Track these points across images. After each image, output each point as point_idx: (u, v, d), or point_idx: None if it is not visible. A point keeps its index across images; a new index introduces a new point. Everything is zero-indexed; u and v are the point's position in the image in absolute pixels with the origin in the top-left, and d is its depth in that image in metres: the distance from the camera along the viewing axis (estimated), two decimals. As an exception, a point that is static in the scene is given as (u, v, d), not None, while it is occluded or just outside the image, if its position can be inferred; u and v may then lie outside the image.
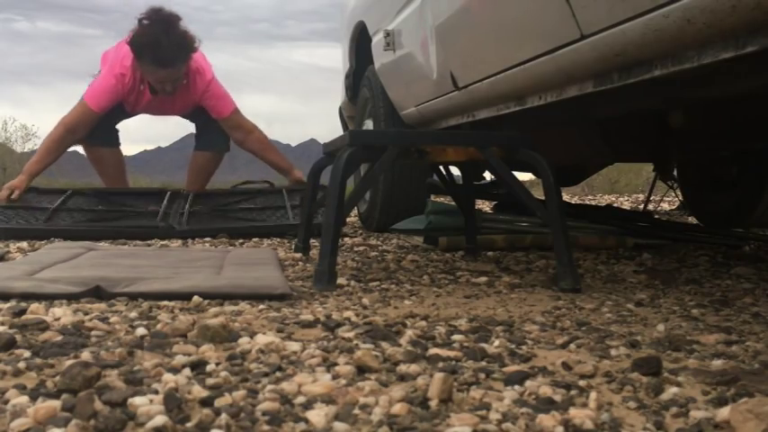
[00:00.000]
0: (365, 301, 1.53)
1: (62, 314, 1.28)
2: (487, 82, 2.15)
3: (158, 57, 3.15)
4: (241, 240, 2.91)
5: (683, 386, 0.94)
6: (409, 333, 1.21)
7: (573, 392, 0.91)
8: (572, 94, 1.77)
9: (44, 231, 2.93)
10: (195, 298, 1.47)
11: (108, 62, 3.37)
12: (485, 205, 4.19)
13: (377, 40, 3.22)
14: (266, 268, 1.86)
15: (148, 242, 2.81)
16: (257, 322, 1.29)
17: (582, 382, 0.95)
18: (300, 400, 0.86)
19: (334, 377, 0.95)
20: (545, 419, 0.80)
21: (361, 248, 2.57)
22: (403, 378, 0.96)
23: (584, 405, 0.86)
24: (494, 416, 0.82)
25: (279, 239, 2.94)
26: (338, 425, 0.78)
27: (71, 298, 1.47)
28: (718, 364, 1.05)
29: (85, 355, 1.03)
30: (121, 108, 3.49)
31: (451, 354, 1.07)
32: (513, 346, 1.14)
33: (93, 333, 1.18)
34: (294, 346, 1.09)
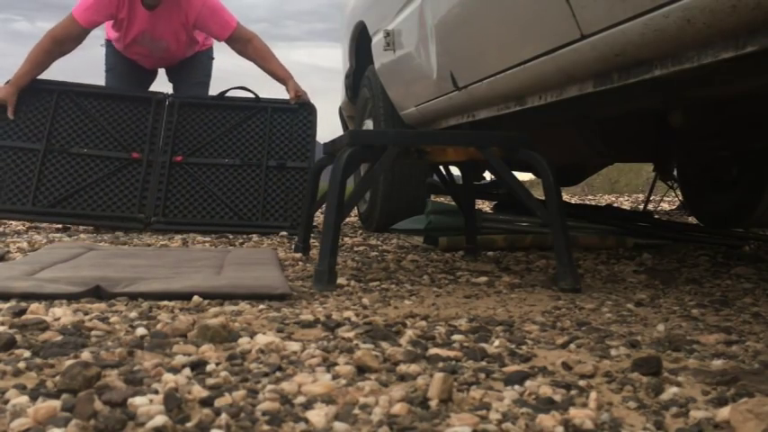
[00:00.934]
0: (365, 301, 1.53)
1: (62, 314, 1.28)
2: (487, 82, 2.15)
3: None
4: (241, 240, 2.91)
5: (683, 386, 0.94)
6: (409, 333, 1.21)
7: (573, 392, 0.91)
8: (572, 94, 1.78)
9: (32, 216, 3.16)
10: (195, 298, 1.47)
11: None
12: (485, 205, 4.19)
13: (377, 40, 3.22)
14: (266, 268, 1.86)
15: (148, 243, 2.81)
16: (257, 322, 1.29)
17: (582, 382, 0.95)
18: (300, 400, 0.86)
19: (334, 377, 0.95)
20: (545, 419, 0.80)
21: (361, 248, 2.57)
22: (403, 378, 0.96)
23: (584, 405, 0.86)
24: (494, 416, 0.82)
25: (279, 240, 2.94)
26: (338, 425, 0.78)
27: (71, 298, 1.46)
28: (718, 364, 1.05)
29: (85, 355, 1.02)
30: (136, 76, 3.50)
31: (451, 354, 1.07)
32: (513, 346, 1.14)
33: (93, 333, 1.18)
34: (294, 346, 1.09)
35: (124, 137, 3.37)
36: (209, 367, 0.98)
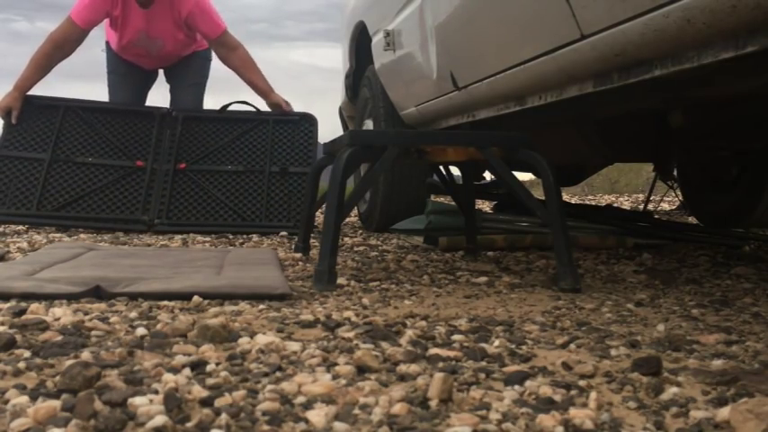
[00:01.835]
0: (365, 301, 1.53)
1: (62, 314, 1.28)
2: (487, 82, 2.15)
3: None
4: (241, 240, 2.91)
5: (683, 386, 0.94)
6: (409, 333, 1.21)
7: (573, 392, 0.91)
8: (572, 94, 1.78)
9: (35, 222, 3.19)
10: (195, 298, 1.47)
11: None
12: (485, 205, 4.19)
13: (377, 40, 3.22)
14: (266, 268, 1.86)
15: (148, 243, 2.81)
16: (257, 322, 1.29)
17: (582, 382, 0.95)
18: (300, 400, 0.86)
19: (334, 377, 0.95)
20: (545, 419, 0.80)
21: (361, 248, 2.57)
22: (403, 378, 0.96)
23: (584, 405, 0.86)
24: (494, 416, 0.82)
25: (279, 240, 2.94)
26: (338, 425, 0.78)
27: (71, 298, 1.47)
28: (718, 364, 1.05)
29: (85, 355, 1.02)
30: (137, 88, 3.52)
31: (451, 354, 1.07)
32: (513, 346, 1.14)
33: (93, 333, 1.18)
34: (294, 346, 1.09)
35: (128, 147, 3.41)
36: (209, 367, 0.98)
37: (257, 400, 0.85)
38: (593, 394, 0.88)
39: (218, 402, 0.84)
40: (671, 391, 0.91)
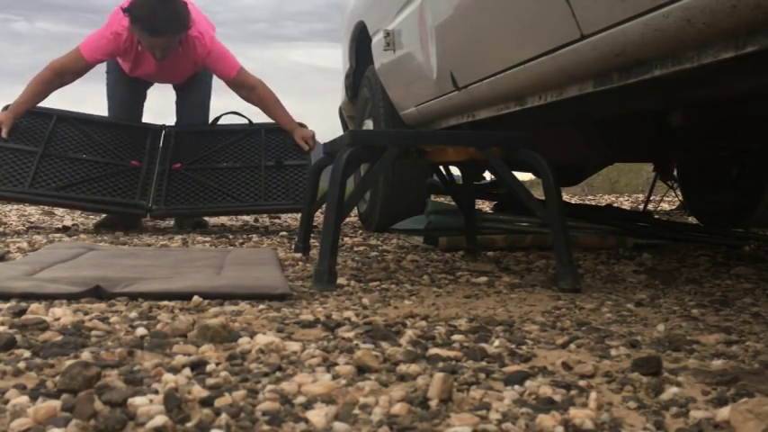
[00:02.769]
0: (365, 301, 1.53)
1: (62, 314, 1.28)
2: (487, 82, 2.15)
3: (150, 26, 3.16)
4: (241, 240, 2.91)
5: (683, 386, 0.94)
6: (409, 333, 1.21)
7: (573, 392, 0.91)
8: (572, 94, 1.77)
9: (28, 199, 3.21)
10: (195, 298, 1.47)
11: (109, 19, 3.38)
12: (485, 205, 4.19)
13: (377, 40, 3.22)
14: (266, 268, 1.86)
15: (148, 243, 2.81)
16: (257, 322, 1.29)
17: (582, 382, 0.95)
18: (300, 400, 0.86)
19: (334, 377, 0.95)
20: (545, 419, 0.80)
21: (361, 248, 2.57)
22: (403, 378, 0.96)
23: (584, 405, 0.86)
24: (494, 416, 0.82)
25: (279, 240, 2.94)
26: (338, 425, 0.78)
27: (71, 298, 1.47)
28: (718, 364, 1.05)
29: (85, 355, 1.02)
30: (137, 87, 3.56)
31: (451, 354, 1.07)
32: (513, 346, 1.14)
33: (93, 333, 1.18)
34: (294, 346, 1.09)
35: (122, 151, 3.45)
36: (209, 367, 0.98)
37: (257, 400, 0.85)
38: (593, 394, 0.88)
39: (218, 402, 0.84)
40: (671, 391, 0.91)
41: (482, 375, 0.97)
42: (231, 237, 3.04)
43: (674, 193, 3.89)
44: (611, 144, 2.91)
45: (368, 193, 3.40)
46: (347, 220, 3.75)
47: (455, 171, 2.45)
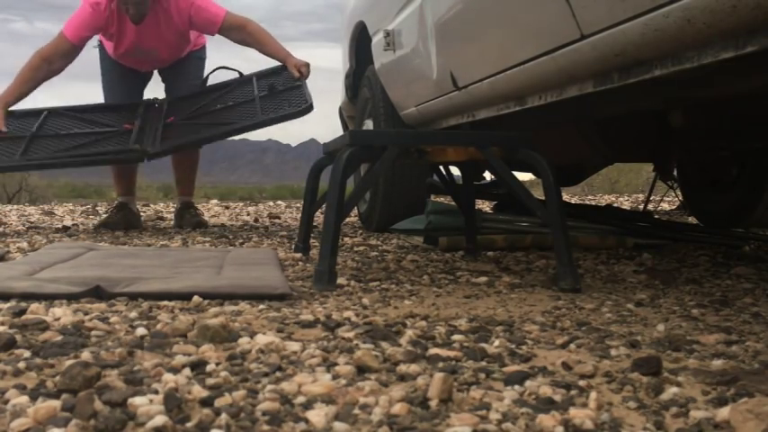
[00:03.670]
0: (365, 301, 1.53)
1: (62, 314, 1.28)
2: (487, 82, 2.15)
3: None
4: (241, 240, 2.91)
5: (683, 386, 0.94)
6: (409, 333, 1.21)
7: (573, 392, 0.91)
8: (572, 94, 1.77)
9: (21, 166, 3.21)
10: (195, 298, 1.47)
11: None
12: (485, 205, 4.19)
13: (377, 40, 3.22)
14: (266, 268, 1.86)
15: (148, 243, 2.81)
16: (257, 322, 1.29)
17: (582, 382, 0.95)
18: (300, 400, 0.86)
19: (334, 377, 0.95)
20: (545, 419, 0.80)
21: (361, 248, 2.57)
22: (403, 378, 0.96)
23: (584, 405, 0.86)
24: (494, 416, 0.82)
25: (279, 240, 2.94)
26: (338, 425, 0.78)
27: (71, 298, 1.47)
28: (718, 364, 1.05)
29: (85, 355, 1.03)
30: (131, 85, 3.55)
31: (451, 354, 1.07)
32: (513, 346, 1.14)
33: (93, 333, 1.18)
34: (294, 346, 1.09)
35: (115, 120, 3.46)
36: (209, 367, 0.98)
37: (257, 400, 0.85)
38: (593, 394, 0.88)
39: (218, 402, 0.84)
40: (671, 391, 0.91)
41: (482, 375, 0.97)
42: (231, 237, 3.04)
43: (674, 193, 3.89)
44: (611, 144, 2.91)
45: (368, 193, 3.40)
46: (347, 220, 3.75)
47: (455, 171, 2.45)
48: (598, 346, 1.15)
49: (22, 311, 1.31)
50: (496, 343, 1.15)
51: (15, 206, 5.29)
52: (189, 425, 0.77)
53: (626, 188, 10.09)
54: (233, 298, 1.50)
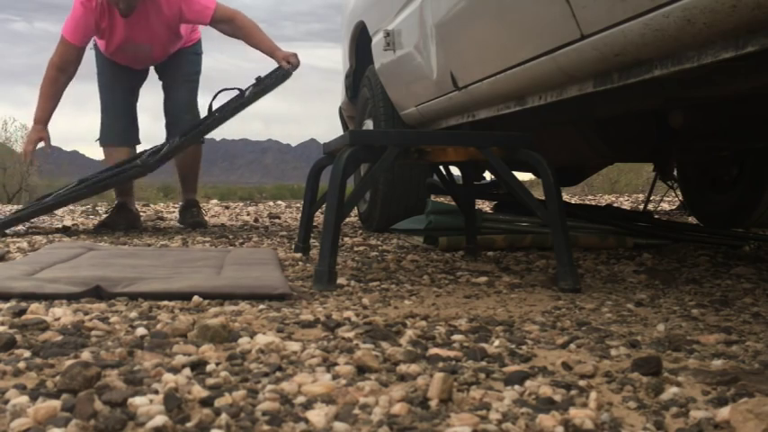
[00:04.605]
0: (365, 301, 1.53)
1: (62, 314, 1.28)
2: (487, 82, 2.15)
3: None
4: (241, 240, 2.91)
5: (683, 386, 0.94)
6: (409, 333, 1.21)
7: (573, 392, 0.91)
8: (572, 94, 1.77)
9: (34, 212, 3.22)
10: (195, 298, 1.47)
11: None
12: (485, 205, 4.19)
13: (377, 40, 3.22)
14: (266, 268, 1.86)
15: (148, 243, 2.81)
16: (257, 322, 1.29)
17: (582, 382, 0.95)
18: (300, 400, 0.86)
19: (334, 377, 0.95)
20: (545, 419, 0.80)
21: (361, 248, 2.57)
22: (403, 378, 0.96)
23: (584, 405, 0.86)
24: (494, 416, 0.82)
25: (279, 240, 2.94)
26: (338, 425, 0.78)
27: (71, 298, 1.47)
28: (718, 364, 1.05)
29: (85, 355, 1.03)
30: (127, 79, 3.55)
31: (451, 354, 1.07)
32: (513, 346, 1.14)
33: (93, 333, 1.18)
34: (294, 346, 1.09)
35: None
36: (209, 367, 0.98)
37: (257, 400, 0.85)
38: (593, 394, 0.88)
39: (218, 402, 0.84)
40: (671, 391, 0.91)
41: (482, 375, 0.97)
42: (231, 237, 3.04)
43: (674, 193, 3.89)
44: (611, 144, 2.91)
45: (368, 193, 3.40)
46: (347, 220, 3.75)
47: (455, 171, 2.45)
48: (598, 346, 1.15)
49: (22, 311, 1.31)
50: (496, 343, 1.15)
51: (16, 206, 5.29)
52: (189, 425, 0.77)
53: (626, 188, 10.09)
54: (233, 298, 1.50)
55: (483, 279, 1.84)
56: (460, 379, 0.95)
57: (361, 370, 0.99)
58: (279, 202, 7.03)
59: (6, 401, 0.83)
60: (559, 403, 0.86)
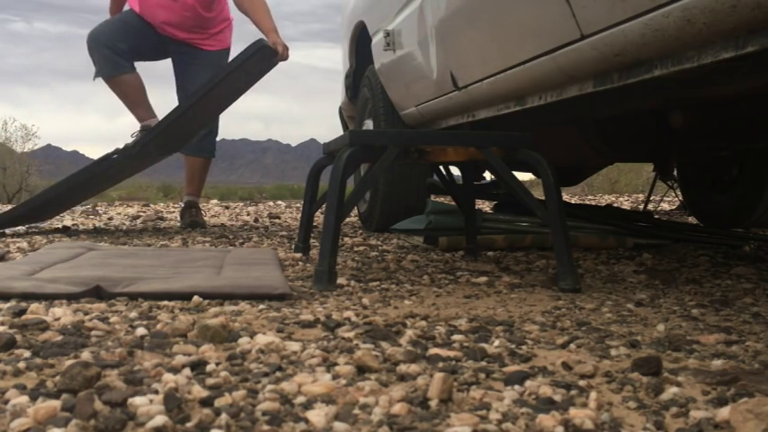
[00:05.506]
0: (365, 301, 1.53)
1: (62, 314, 1.28)
2: (487, 82, 2.15)
3: None
4: (241, 240, 2.91)
5: (683, 386, 0.94)
6: (409, 333, 1.21)
7: (573, 392, 0.91)
8: (572, 94, 1.77)
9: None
10: (195, 298, 1.47)
11: None
12: (485, 205, 4.19)
13: (377, 40, 3.22)
14: (266, 268, 1.86)
15: (148, 243, 2.81)
16: (257, 322, 1.29)
17: (582, 382, 0.95)
18: (300, 400, 0.86)
19: (334, 377, 0.95)
20: (545, 419, 0.80)
21: (361, 248, 2.57)
22: (403, 378, 0.96)
23: (584, 405, 0.86)
24: (494, 416, 0.82)
25: (279, 240, 2.94)
26: (338, 425, 0.78)
27: (71, 298, 1.47)
28: (718, 364, 1.05)
29: (85, 355, 1.03)
30: (144, 36, 3.55)
31: (451, 354, 1.07)
32: (513, 346, 1.14)
33: (93, 333, 1.18)
34: (294, 346, 1.09)
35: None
36: (209, 367, 0.98)
37: (257, 400, 0.85)
38: (593, 394, 0.88)
39: (218, 402, 0.84)
40: (671, 391, 0.91)
41: (482, 375, 0.97)
42: (231, 237, 3.04)
43: (674, 193, 3.89)
44: (611, 144, 2.91)
45: (368, 193, 3.40)
46: (347, 220, 3.75)
47: (455, 171, 2.45)
48: (598, 346, 1.15)
49: (22, 311, 1.31)
50: (496, 343, 1.15)
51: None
52: (189, 425, 0.77)
53: (626, 188, 10.08)
54: (233, 298, 1.50)
55: (483, 279, 1.84)
56: (460, 379, 0.95)
57: (361, 370, 0.99)
58: (279, 202, 7.03)
59: (6, 401, 0.83)
60: (559, 403, 0.86)
